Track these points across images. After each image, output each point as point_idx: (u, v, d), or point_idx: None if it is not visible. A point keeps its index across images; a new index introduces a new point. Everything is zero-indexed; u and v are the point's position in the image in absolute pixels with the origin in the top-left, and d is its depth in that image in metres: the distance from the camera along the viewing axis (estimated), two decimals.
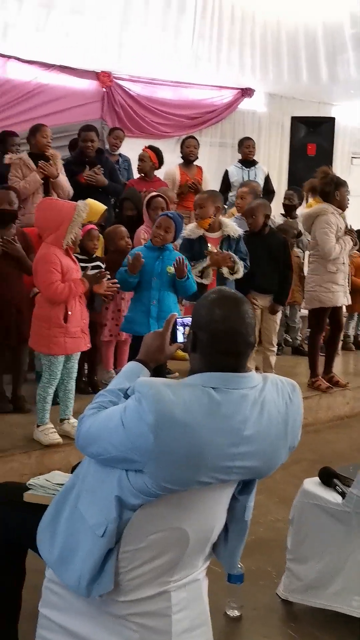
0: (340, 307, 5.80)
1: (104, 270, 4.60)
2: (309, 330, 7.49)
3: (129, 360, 2.60)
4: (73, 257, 4.27)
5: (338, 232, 5.57)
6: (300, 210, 6.13)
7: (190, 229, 5.23)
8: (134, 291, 4.69)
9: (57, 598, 2.14)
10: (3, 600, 2.42)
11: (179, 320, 2.27)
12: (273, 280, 5.67)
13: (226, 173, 7.82)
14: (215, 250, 5.10)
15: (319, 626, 2.94)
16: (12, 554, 2.40)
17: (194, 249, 5.16)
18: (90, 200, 4.89)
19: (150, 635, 1.98)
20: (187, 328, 2.27)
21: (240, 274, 5.14)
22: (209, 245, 5.13)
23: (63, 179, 5.92)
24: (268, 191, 7.78)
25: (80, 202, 4.11)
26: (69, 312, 4.12)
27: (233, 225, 5.24)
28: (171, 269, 4.53)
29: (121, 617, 1.99)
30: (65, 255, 4.14)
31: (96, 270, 4.60)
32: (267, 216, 5.71)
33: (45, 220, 4.11)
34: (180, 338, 2.27)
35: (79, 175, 6.23)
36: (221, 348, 1.90)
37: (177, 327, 2.26)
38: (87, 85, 8.56)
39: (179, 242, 5.12)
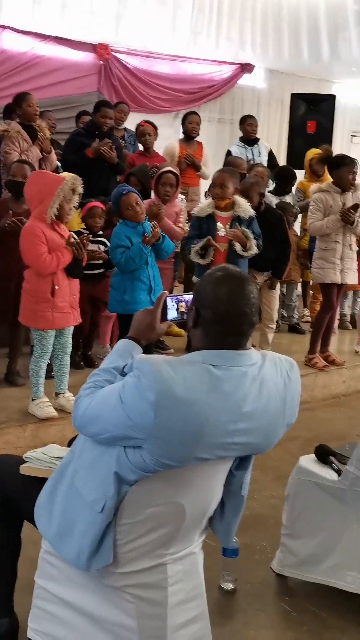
0: (338, 286, 5.75)
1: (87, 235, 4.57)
2: (305, 308, 7.55)
3: (119, 338, 2.59)
4: (63, 232, 4.21)
5: (329, 210, 5.54)
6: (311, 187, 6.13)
7: (200, 207, 5.18)
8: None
9: (53, 569, 2.15)
10: None
11: (169, 297, 2.26)
12: (270, 258, 5.65)
13: (229, 153, 7.74)
14: (225, 232, 5.06)
15: (313, 600, 2.97)
16: (9, 525, 2.41)
17: (202, 227, 5.12)
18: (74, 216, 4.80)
19: (145, 606, 2.00)
20: (182, 304, 2.25)
21: (253, 250, 5.09)
22: (218, 224, 5.09)
23: (53, 153, 5.87)
24: (273, 166, 7.72)
25: (68, 176, 4.06)
26: (56, 287, 4.11)
27: (246, 206, 5.15)
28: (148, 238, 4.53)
29: (117, 588, 2.00)
30: (50, 230, 4.10)
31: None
32: (262, 194, 5.69)
33: (31, 193, 4.08)
34: (171, 315, 2.26)
35: (85, 147, 6.15)
36: (225, 327, 1.89)
37: (168, 304, 2.25)
38: (84, 57, 8.47)
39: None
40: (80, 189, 4.17)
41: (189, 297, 2.22)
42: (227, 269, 1.98)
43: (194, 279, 5.45)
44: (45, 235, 4.05)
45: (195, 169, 7.04)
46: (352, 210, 5.46)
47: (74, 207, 4.35)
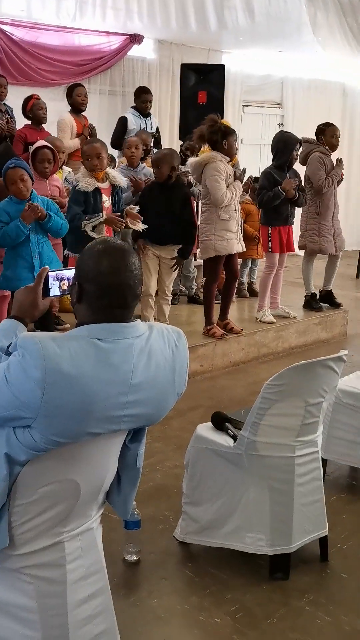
0: (235, 255, 5.86)
1: None
2: (204, 279, 7.61)
3: None
4: None
5: (228, 179, 5.61)
6: (190, 160, 6.09)
7: (85, 181, 5.06)
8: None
9: None
10: None
11: (51, 273, 2.23)
12: (172, 232, 5.62)
13: (125, 120, 7.65)
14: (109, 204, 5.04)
15: (215, 564, 3.05)
16: None
17: (89, 201, 5.05)
18: None
19: (44, 585, 1.99)
20: (64, 282, 2.23)
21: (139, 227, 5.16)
22: (104, 196, 5.05)
23: None
24: (157, 142, 7.72)
25: None
26: None
27: (119, 175, 5.20)
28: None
29: (15, 570, 1.98)
30: None
31: None
32: (174, 168, 5.60)
33: None
34: (54, 292, 2.24)
35: None
36: (109, 300, 1.87)
37: (50, 280, 2.22)
38: None
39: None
40: None
41: (70, 272, 2.19)
42: (108, 241, 1.96)
43: (66, 252, 5.38)
44: None
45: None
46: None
47: None
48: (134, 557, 3.05)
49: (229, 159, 5.66)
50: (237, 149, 5.77)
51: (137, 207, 5.25)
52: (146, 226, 5.26)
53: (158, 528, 3.32)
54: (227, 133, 5.61)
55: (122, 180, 5.17)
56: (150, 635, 2.62)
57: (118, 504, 2.22)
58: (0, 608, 2.02)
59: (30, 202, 4.49)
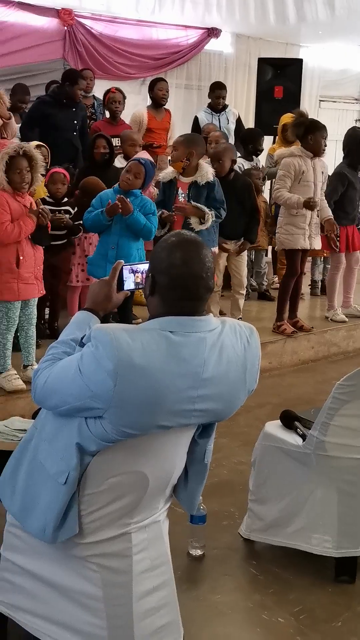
0: (299, 251, 5.74)
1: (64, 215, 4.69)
2: (275, 275, 7.55)
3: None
4: (27, 202, 4.16)
5: (301, 175, 5.52)
6: (277, 152, 6.06)
7: (164, 172, 5.15)
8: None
9: (18, 541, 2.16)
10: None
11: (126, 267, 2.24)
12: (240, 226, 5.66)
13: (196, 119, 7.66)
14: (182, 200, 5.02)
15: (280, 563, 3.02)
16: None
17: (166, 192, 5.10)
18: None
19: (111, 575, 2.02)
20: (138, 274, 2.24)
21: (208, 224, 5.01)
22: (179, 190, 5.05)
23: (13, 120, 5.76)
24: (238, 132, 7.67)
25: (10, 144, 4.01)
26: (21, 257, 4.07)
27: (205, 172, 5.04)
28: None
29: (82, 558, 2.02)
30: (13, 199, 4.07)
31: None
32: (234, 161, 5.66)
33: None
34: (128, 285, 2.25)
35: (51, 116, 6.12)
36: (181, 292, 1.87)
37: (125, 273, 2.23)
38: (48, 23, 8.26)
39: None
40: (39, 157, 4.09)
41: (145, 266, 2.20)
42: (181, 234, 1.96)
43: None
44: (9, 204, 4.01)
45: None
46: (315, 200, 5.45)
47: (42, 174, 4.29)
48: (199, 552, 3.05)
49: (311, 155, 5.54)
50: (325, 146, 5.61)
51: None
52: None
53: (222, 524, 3.31)
54: (314, 128, 5.50)
55: (203, 176, 5.02)
56: (212, 631, 2.61)
57: (185, 498, 2.23)
58: (66, 594, 2.06)
59: (121, 196, 4.55)
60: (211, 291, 1.94)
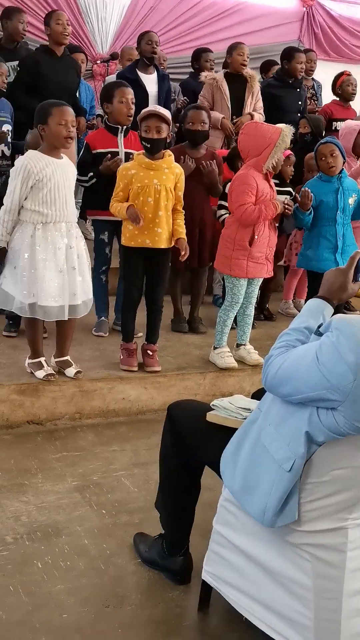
0: None
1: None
2: None
3: (308, 297, 2.53)
4: (271, 182, 4.18)
5: None
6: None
7: None
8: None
9: (232, 517, 2.20)
10: (179, 514, 2.51)
11: None
12: None
13: None
14: None
15: None
16: (191, 470, 2.46)
17: None
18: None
19: (322, 566, 1.99)
20: None
21: None
22: None
23: None
24: None
25: (284, 127, 3.99)
26: (256, 236, 4.09)
27: None
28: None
29: (296, 545, 2.01)
30: (263, 180, 4.08)
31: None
32: None
33: (248, 144, 4.05)
34: None
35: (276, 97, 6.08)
36: None
37: None
38: (288, 3, 8.21)
39: None
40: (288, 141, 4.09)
41: None
42: None
43: None
44: (258, 185, 4.05)
45: None
46: None
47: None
48: None
49: None
50: None
51: None
52: None
53: None
54: None
55: None
56: None
57: None
58: (276, 578, 2.07)
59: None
60: None
